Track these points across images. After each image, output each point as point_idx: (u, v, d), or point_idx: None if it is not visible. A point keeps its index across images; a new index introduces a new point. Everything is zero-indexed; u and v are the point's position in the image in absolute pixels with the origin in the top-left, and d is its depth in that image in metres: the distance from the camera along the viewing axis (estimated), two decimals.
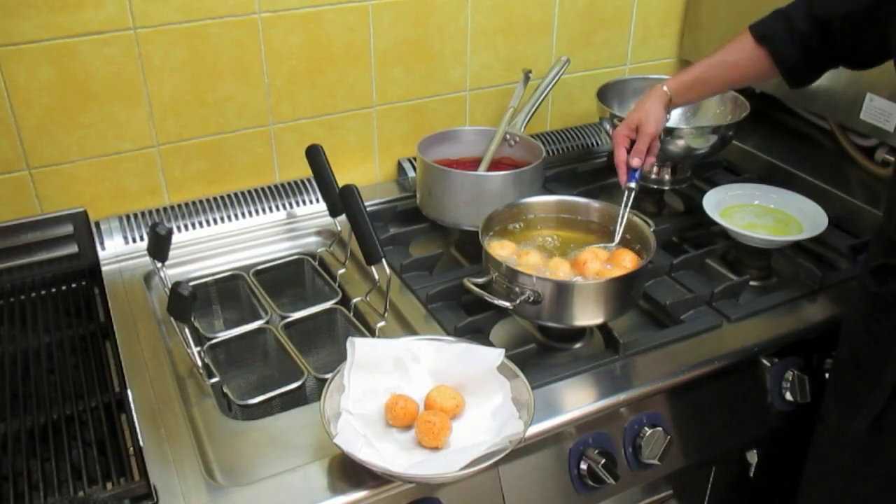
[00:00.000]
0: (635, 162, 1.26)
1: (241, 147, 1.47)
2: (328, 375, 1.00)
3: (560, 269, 1.16)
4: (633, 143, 1.28)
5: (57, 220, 1.34)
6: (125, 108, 1.35)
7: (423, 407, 0.99)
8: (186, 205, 1.44)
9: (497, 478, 1.04)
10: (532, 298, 1.09)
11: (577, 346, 1.22)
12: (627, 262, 1.16)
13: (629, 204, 1.24)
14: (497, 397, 0.99)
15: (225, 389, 1.09)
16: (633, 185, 1.25)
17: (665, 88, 1.28)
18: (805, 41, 1.16)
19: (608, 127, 1.54)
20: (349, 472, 0.95)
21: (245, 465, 0.97)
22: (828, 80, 1.33)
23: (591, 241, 1.24)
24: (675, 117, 1.67)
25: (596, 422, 1.09)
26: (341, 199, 1.17)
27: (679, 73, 1.31)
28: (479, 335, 1.20)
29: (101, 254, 1.35)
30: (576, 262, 1.18)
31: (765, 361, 1.22)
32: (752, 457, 1.28)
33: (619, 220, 1.23)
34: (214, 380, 1.10)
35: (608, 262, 1.17)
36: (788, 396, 1.23)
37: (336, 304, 1.27)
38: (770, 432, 1.27)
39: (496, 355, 1.01)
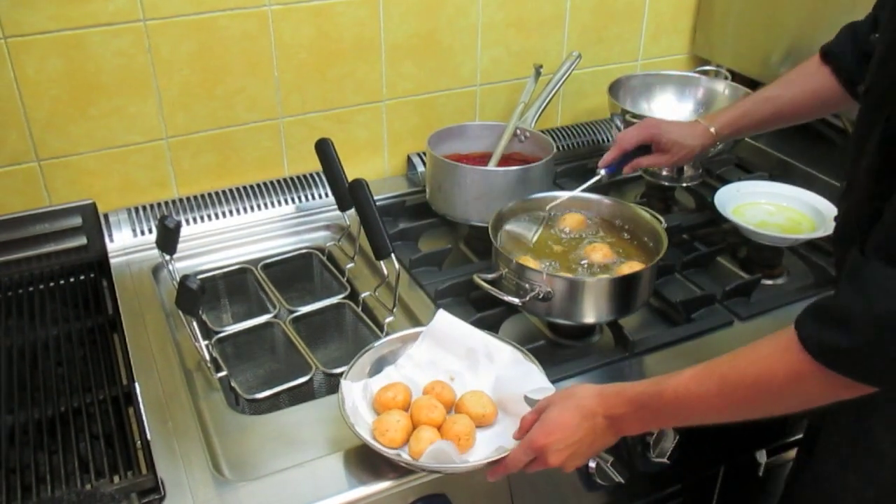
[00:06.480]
0: (627, 169, 1.20)
1: (250, 140, 1.47)
2: (336, 370, 1.00)
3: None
4: (642, 147, 1.22)
5: (65, 211, 1.34)
6: (134, 101, 1.35)
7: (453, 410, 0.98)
8: (195, 198, 1.44)
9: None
10: (542, 295, 1.09)
11: (587, 343, 1.21)
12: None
13: (587, 187, 1.18)
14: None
15: (232, 383, 1.09)
16: (603, 173, 1.20)
17: (712, 129, 1.20)
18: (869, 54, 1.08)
19: (619, 122, 1.53)
20: (357, 467, 0.95)
21: (252, 459, 0.97)
22: None
23: (600, 237, 1.23)
24: (687, 113, 1.66)
25: None
26: (350, 194, 1.17)
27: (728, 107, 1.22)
28: (487, 332, 1.19)
29: (109, 246, 1.35)
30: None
31: None
32: (762, 456, 1.27)
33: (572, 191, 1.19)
34: (222, 373, 1.10)
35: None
36: None
37: (344, 298, 1.27)
38: (780, 432, 1.26)
39: (546, 390, 0.97)
